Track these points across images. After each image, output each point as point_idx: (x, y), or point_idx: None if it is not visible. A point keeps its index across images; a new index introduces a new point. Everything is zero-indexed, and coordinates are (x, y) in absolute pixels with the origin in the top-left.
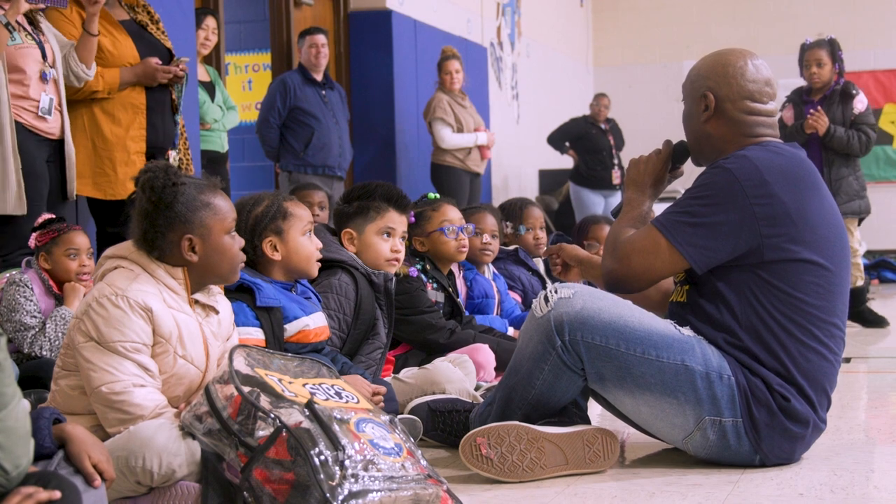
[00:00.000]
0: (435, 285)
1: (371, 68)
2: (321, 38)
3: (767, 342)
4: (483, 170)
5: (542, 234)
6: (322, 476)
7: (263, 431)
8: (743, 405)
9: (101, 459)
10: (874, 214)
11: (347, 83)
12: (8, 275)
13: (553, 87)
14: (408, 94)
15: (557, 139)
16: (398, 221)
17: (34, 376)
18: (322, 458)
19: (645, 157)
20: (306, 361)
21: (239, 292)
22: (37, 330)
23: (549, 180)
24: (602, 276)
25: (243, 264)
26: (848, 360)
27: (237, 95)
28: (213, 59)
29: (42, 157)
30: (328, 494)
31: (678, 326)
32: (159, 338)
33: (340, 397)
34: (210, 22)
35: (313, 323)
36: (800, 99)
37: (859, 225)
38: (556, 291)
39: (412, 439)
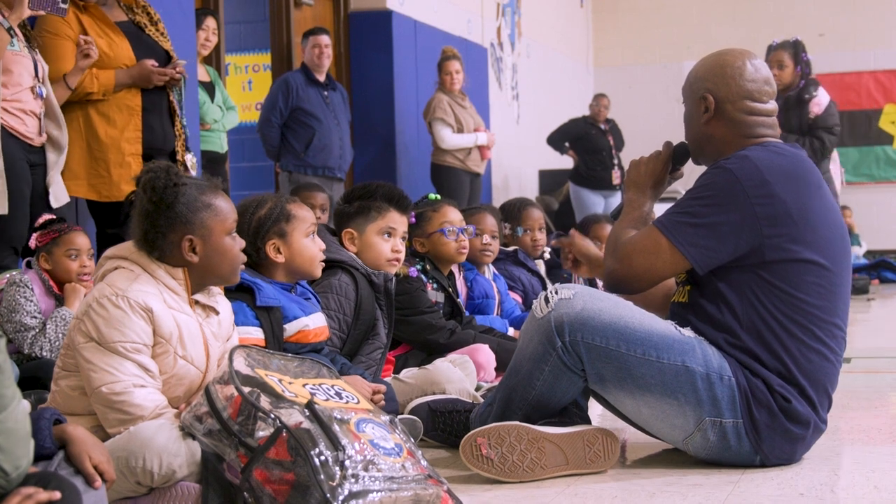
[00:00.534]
0: (435, 285)
1: (371, 68)
2: (325, 39)
3: (768, 342)
4: (483, 170)
5: (541, 236)
6: (322, 476)
7: (263, 432)
8: (743, 406)
9: (101, 460)
10: (874, 215)
11: (347, 83)
12: (8, 275)
13: (553, 87)
14: (408, 95)
15: (557, 139)
16: (399, 222)
17: (34, 377)
18: (322, 458)
19: (645, 158)
20: (306, 362)
21: (239, 292)
22: (37, 330)
23: (549, 180)
24: (604, 276)
25: (245, 266)
26: (848, 360)
27: (237, 96)
28: (214, 60)
29: (23, 158)
30: (328, 495)
31: (679, 327)
32: (160, 338)
33: (340, 398)
34: (210, 22)
35: (313, 323)
36: None
37: None
38: (556, 292)
39: (412, 439)
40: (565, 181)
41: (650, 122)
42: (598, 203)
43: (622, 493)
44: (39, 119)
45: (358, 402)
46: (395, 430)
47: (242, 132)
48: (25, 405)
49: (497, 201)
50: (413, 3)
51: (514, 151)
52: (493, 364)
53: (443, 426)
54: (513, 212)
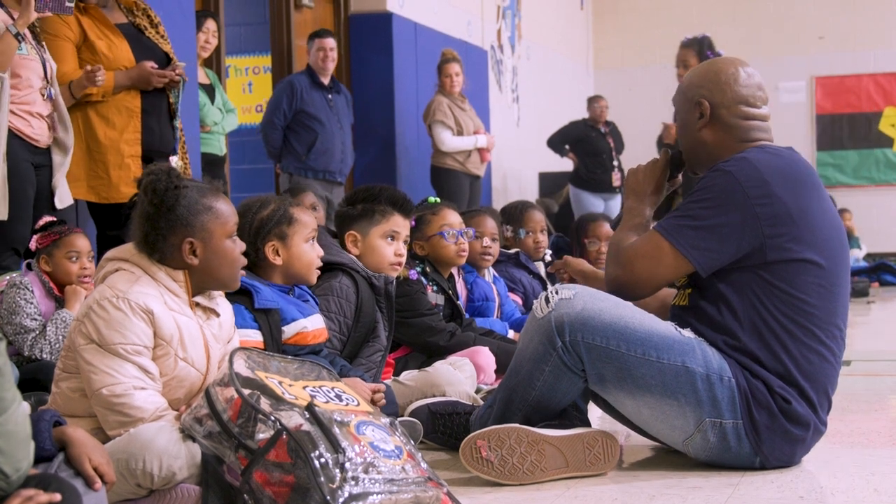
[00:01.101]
0: (435, 288)
1: (371, 71)
2: (330, 42)
3: (769, 343)
4: (483, 172)
5: (543, 238)
6: (322, 479)
7: (264, 434)
8: (743, 407)
9: (101, 462)
10: (874, 218)
11: (348, 85)
12: (8, 277)
13: (553, 89)
14: (408, 97)
15: (557, 142)
16: (402, 225)
17: (34, 379)
18: (322, 460)
19: (643, 165)
20: (306, 364)
21: (237, 294)
22: (37, 332)
23: (549, 183)
24: (606, 283)
25: (243, 267)
26: (848, 363)
27: (237, 98)
28: (214, 62)
29: (27, 160)
30: (328, 497)
31: (679, 328)
32: (160, 340)
33: (341, 400)
34: (210, 25)
35: (311, 325)
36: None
37: None
38: (556, 292)
39: (412, 442)
40: (565, 184)
41: (651, 124)
42: (598, 206)
43: (622, 496)
44: (47, 121)
45: (358, 404)
46: (395, 433)
47: (243, 134)
48: (25, 407)
49: (497, 204)
50: (413, 6)
51: (514, 154)
52: (493, 366)
53: (443, 428)
54: (514, 214)
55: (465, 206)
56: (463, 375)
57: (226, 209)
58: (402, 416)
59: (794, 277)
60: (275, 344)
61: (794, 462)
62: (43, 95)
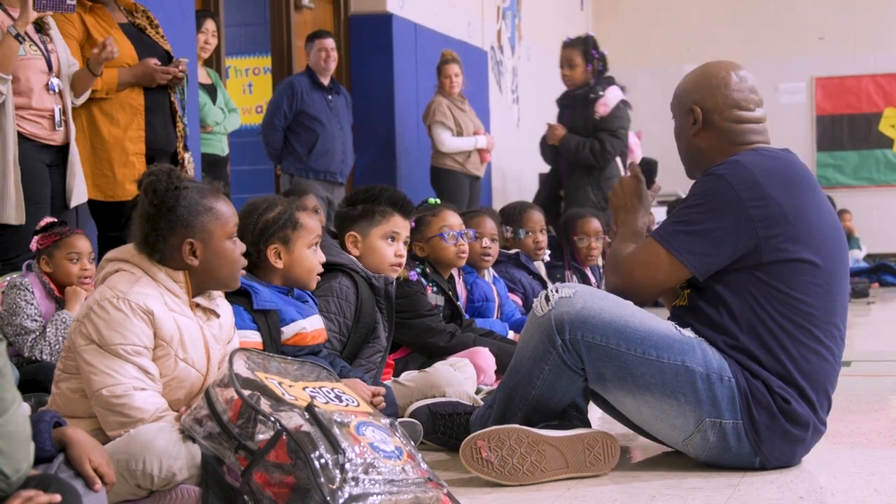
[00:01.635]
0: (435, 289)
1: (371, 72)
2: (330, 42)
3: (768, 343)
4: (483, 173)
5: (543, 238)
6: (322, 479)
7: (264, 435)
8: (743, 407)
9: (101, 463)
10: (874, 218)
11: (348, 86)
12: (8, 278)
13: (553, 90)
14: (408, 98)
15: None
16: (402, 226)
17: (34, 380)
18: (322, 461)
19: (620, 183)
20: (306, 365)
21: (235, 295)
22: (37, 333)
23: None
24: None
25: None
26: (848, 363)
27: (237, 99)
28: (214, 63)
29: (44, 161)
30: (328, 498)
31: (679, 328)
32: (160, 341)
33: (341, 401)
34: (209, 25)
35: (310, 326)
36: (561, 103)
37: None
38: (556, 291)
39: (412, 442)
40: None
41: (650, 125)
42: None
43: (622, 497)
44: (55, 114)
45: (358, 405)
46: (395, 434)
47: (243, 135)
48: (25, 408)
49: (497, 204)
50: (413, 7)
51: (514, 155)
52: (493, 367)
53: (443, 429)
54: (514, 215)
55: (465, 207)
56: (463, 376)
57: (226, 210)
58: (402, 416)
59: (790, 277)
60: (274, 345)
61: (794, 462)
62: (47, 88)
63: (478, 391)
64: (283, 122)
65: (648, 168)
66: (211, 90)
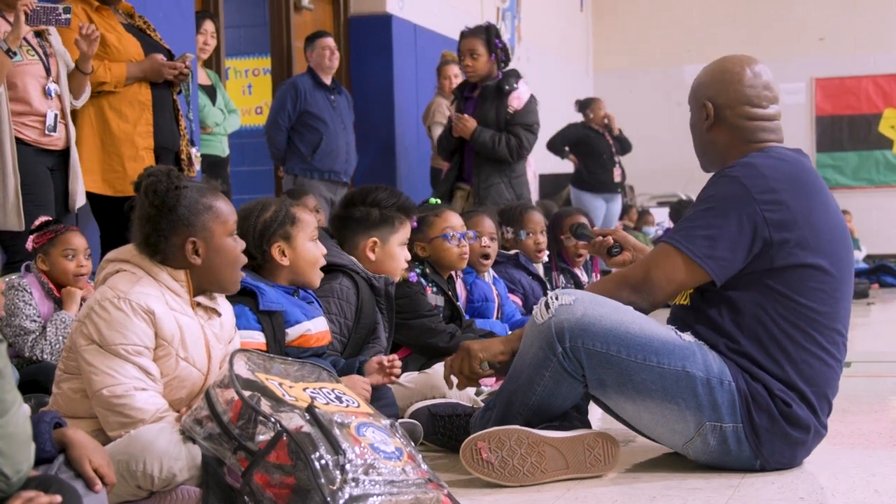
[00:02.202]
0: (435, 289)
1: (371, 72)
2: (331, 41)
3: (769, 347)
4: None
5: (543, 239)
6: (323, 480)
7: (264, 436)
8: (744, 411)
9: (101, 464)
10: (874, 219)
11: (348, 87)
12: (7, 279)
13: (553, 91)
14: (408, 98)
15: (557, 144)
16: (409, 231)
17: (34, 380)
18: (323, 462)
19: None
20: (307, 366)
21: (241, 295)
22: (37, 334)
23: (550, 185)
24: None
25: (248, 269)
26: (848, 364)
27: (237, 100)
28: (214, 64)
29: (45, 164)
30: (329, 499)
31: (679, 332)
32: (161, 340)
33: (341, 401)
34: (209, 26)
35: (315, 328)
36: (461, 95)
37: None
38: (556, 298)
39: (412, 443)
40: (566, 185)
41: (651, 127)
42: (599, 207)
43: (622, 498)
44: (48, 119)
45: (358, 405)
46: (396, 434)
47: (243, 136)
48: (26, 409)
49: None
50: (413, 7)
51: None
52: None
53: (443, 430)
54: (514, 215)
55: None
56: None
57: (225, 208)
58: (402, 417)
59: (798, 283)
60: (277, 346)
61: (795, 465)
62: (44, 94)
63: (478, 392)
64: (287, 123)
65: (580, 231)
66: (210, 91)
